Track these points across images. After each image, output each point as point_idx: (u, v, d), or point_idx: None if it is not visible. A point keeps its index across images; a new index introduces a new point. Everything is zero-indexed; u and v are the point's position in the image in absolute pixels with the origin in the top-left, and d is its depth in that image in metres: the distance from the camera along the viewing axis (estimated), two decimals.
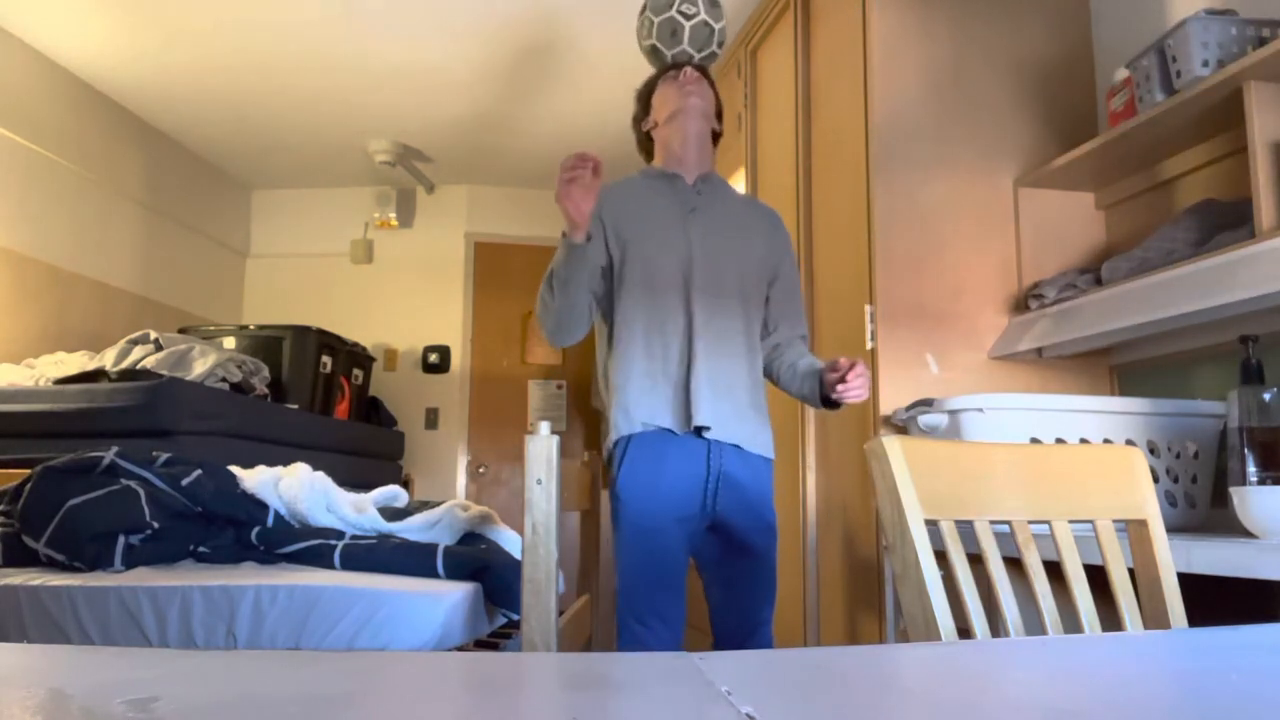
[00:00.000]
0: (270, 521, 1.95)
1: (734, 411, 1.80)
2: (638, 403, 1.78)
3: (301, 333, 3.99)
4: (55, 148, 3.73)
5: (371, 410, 4.66)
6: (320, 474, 2.06)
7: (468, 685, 0.49)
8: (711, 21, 2.10)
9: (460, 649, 1.72)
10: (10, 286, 3.46)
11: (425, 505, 2.19)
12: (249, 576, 1.71)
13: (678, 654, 0.53)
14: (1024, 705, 0.45)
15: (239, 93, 4.05)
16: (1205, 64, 1.78)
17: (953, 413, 1.83)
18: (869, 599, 2.22)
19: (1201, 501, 1.81)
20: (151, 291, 4.36)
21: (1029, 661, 0.58)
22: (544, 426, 1.53)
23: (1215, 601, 1.40)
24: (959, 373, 2.23)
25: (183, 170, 4.65)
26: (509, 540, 2.12)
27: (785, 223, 2.01)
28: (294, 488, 2.00)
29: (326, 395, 4.12)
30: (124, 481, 1.88)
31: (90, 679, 0.47)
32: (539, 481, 1.49)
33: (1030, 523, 0.97)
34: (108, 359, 3.24)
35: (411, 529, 2.02)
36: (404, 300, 5.15)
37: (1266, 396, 1.43)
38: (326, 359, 4.12)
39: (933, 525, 0.92)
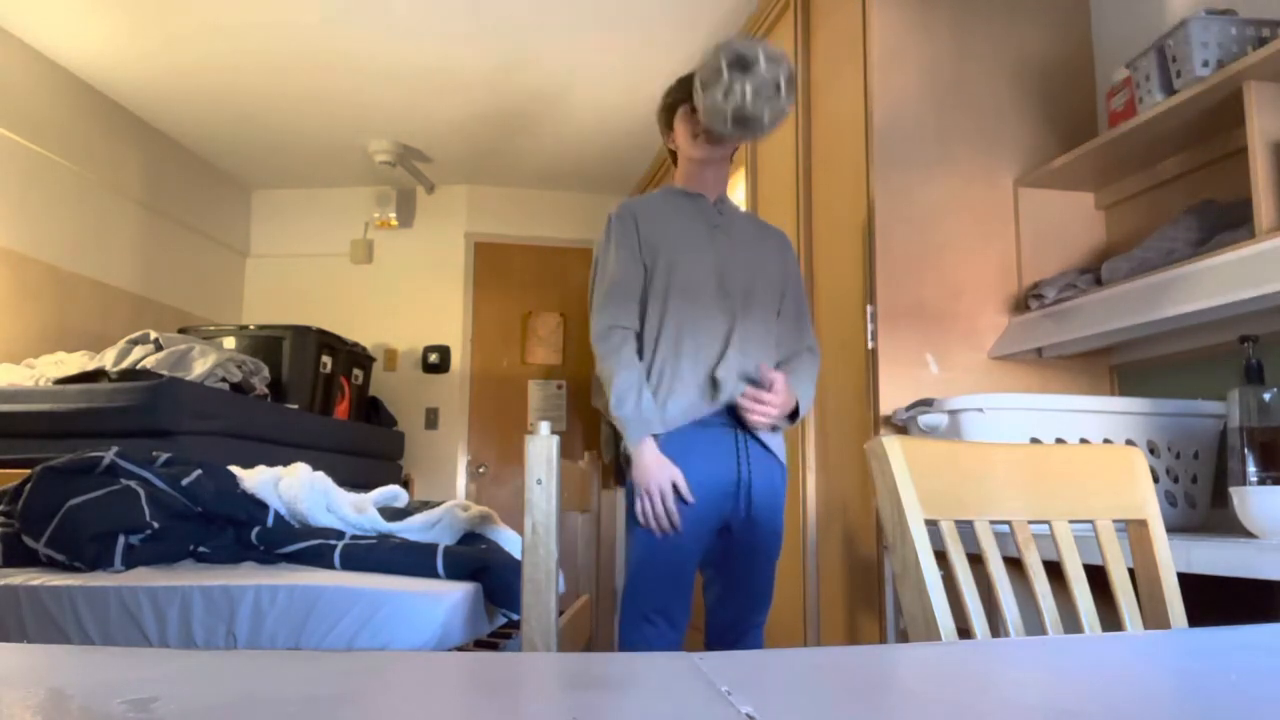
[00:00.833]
0: (270, 521, 1.95)
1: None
2: (671, 402, 1.81)
3: (301, 333, 3.99)
4: (55, 148, 3.73)
5: (371, 410, 4.66)
6: (320, 474, 2.06)
7: (468, 685, 0.49)
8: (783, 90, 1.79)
9: (460, 649, 1.72)
10: (10, 286, 3.46)
11: (425, 505, 2.19)
12: (249, 576, 1.71)
13: (678, 654, 0.53)
14: (1024, 705, 0.45)
15: (239, 93, 4.05)
16: (1205, 64, 1.77)
17: (953, 413, 1.83)
18: (869, 599, 2.22)
19: (1201, 501, 1.81)
20: (151, 291, 4.36)
21: (1029, 661, 0.58)
22: (544, 426, 1.53)
23: (1215, 601, 1.40)
24: (959, 373, 2.23)
25: (183, 170, 4.65)
26: (509, 540, 2.12)
27: (785, 223, 2.02)
28: (294, 488, 2.00)
29: (326, 395, 4.13)
30: (124, 481, 1.88)
31: (90, 679, 0.47)
32: (539, 481, 1.49)
33: (1030, 523, 0.97)
34: (108, 359, 3.24)
35: (411, 529, 2.02)
36: (404, 300, 5.15)
37: (1266, 396, 1.43)
38: (326, 359, 4.12)
39: (933, 525, 0.92)
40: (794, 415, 1.87)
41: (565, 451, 1.62)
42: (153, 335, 3.37)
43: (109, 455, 1.94)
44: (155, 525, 1.82)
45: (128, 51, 3.66)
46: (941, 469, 0.94)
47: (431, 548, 1.87)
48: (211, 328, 4.09)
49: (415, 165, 4.85)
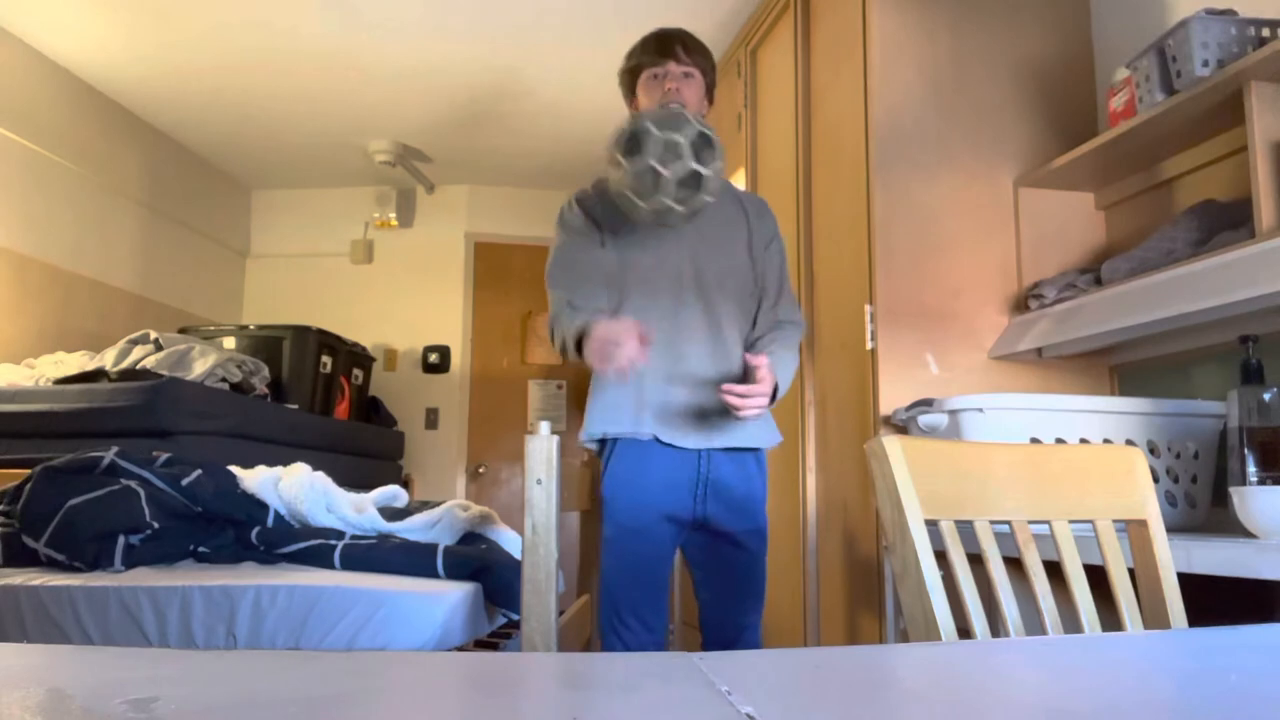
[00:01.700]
0: (270, 521, 1.95)
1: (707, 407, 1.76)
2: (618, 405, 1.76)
3: (301, 333, 3.99)
4: (55, 148, 3.73)
5: (371, 410, 4.66)
6: (320, 474, 2.06)
7: (468, 685, 0.49)
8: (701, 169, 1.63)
9: (460, 649, 1.72)
10: (10, 286, 3.46)
11: (425, 505, 2.19)
12: (249, 576, 1.71)
13: (678, 654, 0.53)
14: (1024, 705, 0.45)
15: (239, 93, 4.05)
16: (1205, 64, 1.77)
17: (953, 413, 1.83)
18: (869, 599, 2.22)
19: (1201, 501, 1.81)
20: (151, 291, 4.36)
21: (1029, 661, 0.58)
22: (544, 426, 1.53)
23: (1215, 601, 1.40)
24: (959, 373, 2.23)
25: (183, 170, 4.65)
26: (509, 540, 2.12)
27: (785, 223, 2.00)
28: (294, 488, 2.00)
29: (326, 395, 4.13)
30: (124, 481, 1.88)
31: (90, 679, 0.47)
32: (539, 481, 1.49)
33: (1030, 523, 0.97)
34: (108, 359, 3.24)
35: (411, 529, 2.02)
36: (404, 300, 5.15)
37: (1266, 396, 1.43)
38: (326, 359, 4.12)
39: (933, 525, 0.92)
40: (773, 396, 1.76)
41: (565, 451, 1.62)
42: (153, 335, 3.37)
43: (109, 455, 1.94)
44: (155, 525, 1.82)
45: (128, 51, 3.66)
46: (941, 469, 0.94)
47: (431, 548, 1.87)
48: (211, 328, 4.09)
49: (415, 165, 4.85)
